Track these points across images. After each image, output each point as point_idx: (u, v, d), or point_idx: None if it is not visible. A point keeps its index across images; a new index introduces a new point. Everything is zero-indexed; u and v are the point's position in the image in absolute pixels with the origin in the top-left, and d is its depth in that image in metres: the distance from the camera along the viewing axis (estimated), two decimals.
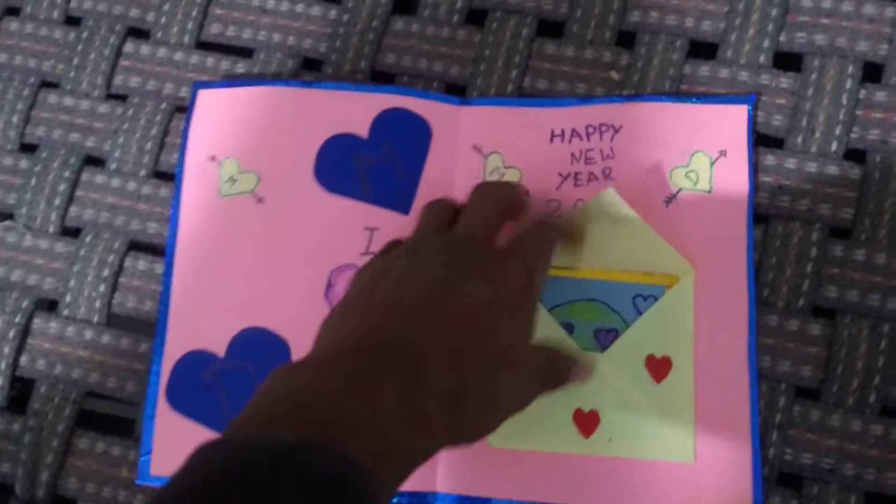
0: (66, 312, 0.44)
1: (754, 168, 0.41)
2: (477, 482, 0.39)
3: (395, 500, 0.39)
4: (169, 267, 0.42)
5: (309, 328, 0.40)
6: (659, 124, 0.42)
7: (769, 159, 0.41)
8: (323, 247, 0.42)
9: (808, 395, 0.39)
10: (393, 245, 0.37)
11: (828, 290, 0.40)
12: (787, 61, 0.42)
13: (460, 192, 0.42)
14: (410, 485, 0.38)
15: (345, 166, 0.43)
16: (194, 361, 0.41)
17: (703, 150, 0.41)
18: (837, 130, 0.41)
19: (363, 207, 0.42)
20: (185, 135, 0.44)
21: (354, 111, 0.43)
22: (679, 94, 0.42)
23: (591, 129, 0.42)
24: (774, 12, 0.42)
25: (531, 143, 0.42)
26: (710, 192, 0.41)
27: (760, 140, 0.41)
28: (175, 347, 0.41)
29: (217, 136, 0.44)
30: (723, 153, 0.41)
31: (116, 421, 0.43)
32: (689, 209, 0.41)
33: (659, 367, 0.39)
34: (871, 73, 0.41)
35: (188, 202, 0.43)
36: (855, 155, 0.41)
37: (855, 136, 0.41)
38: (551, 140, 0.42)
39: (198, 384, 0.41)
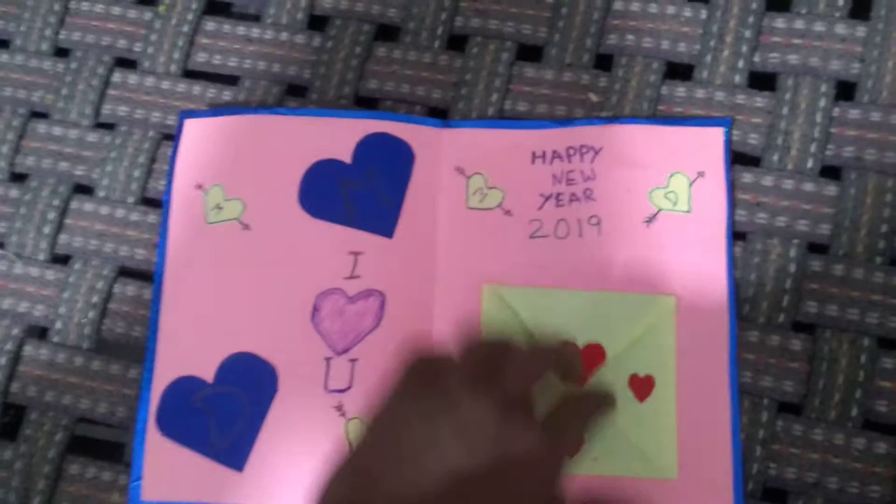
0: (56, 339, 0.44)
1: (732, 186, 0.42)
2: None
3: None
4: (157, 293, 0.43)
5: (295, 352, 0.41)
6: (638, 146, 0.42)
7: (746, 177, 0.42)
8: (308, 271, 0.42)
9: (791, 410, 0.39)
10: (420, 379, 0.31)
11: (808, 305, 0.40)
12: (762, 81, 0.43)
13: (444, 214, 0.42)
14: None
15: (329, 192, 0.43)
16: (183, 387, 0.41)
17: (681, 171, 0.42)
18: (813, 148, 0.42)
19: (347, 232, 0.43)
20: (171, 163, 0.45)
21: (337, 137, 0.44)
22: (657, 117, 0.43)
23: (571, 151, 0.43)
24: (748, 34, 0.43)
25: (513, 165, 0.43)
26: (688, 212, 0.41)
27: (738, 158, 0.42)
28: (164, 373, 0.42)
29: (203, 165, 0.44)
30: (700, 174, 0.42)
31: (107, 446, 0.43)
32: (669, 229, 0.41)
33: (642, 387, 0.40)
34: (845, 91, 0.42)
35: (176, 229, 0.44)
36: (831, 172, 0.41)
37: (830, 154, 0.42)
38: (533, 161, 0.43)
39: (187, 409, 0.41)
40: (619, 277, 0.41)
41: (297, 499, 0.39)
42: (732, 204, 0.41)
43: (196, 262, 0.43)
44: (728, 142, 0.42)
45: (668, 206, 0.41)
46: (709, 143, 0.42)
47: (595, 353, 0.40)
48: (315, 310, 0.42)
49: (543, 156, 0.43)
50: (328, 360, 0.41)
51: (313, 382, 0.41)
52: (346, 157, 0.44)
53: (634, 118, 0.43)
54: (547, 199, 0.42)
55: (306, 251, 0.43)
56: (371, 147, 0.44)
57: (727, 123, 0.42)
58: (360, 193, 0.43)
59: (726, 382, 0.39)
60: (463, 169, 0.43)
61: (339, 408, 0.41)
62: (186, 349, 0.42)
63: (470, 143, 0.44)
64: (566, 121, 0.43)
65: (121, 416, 0.43)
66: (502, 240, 0.42)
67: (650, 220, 0.41)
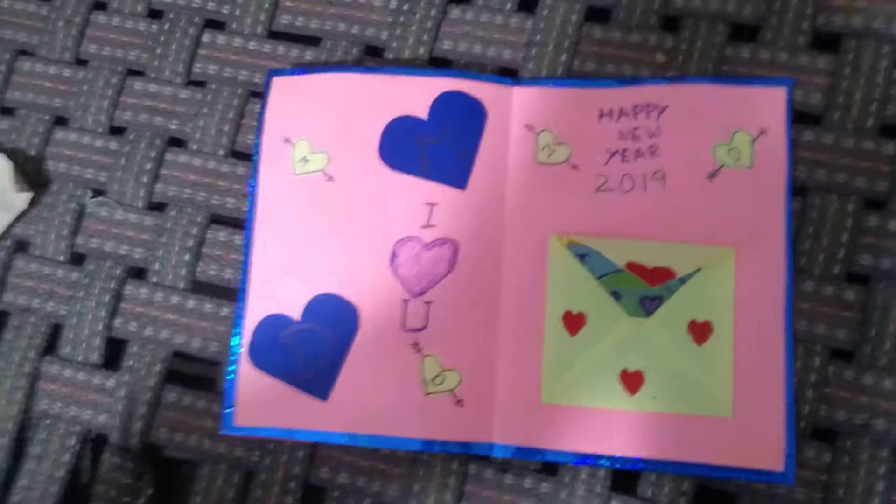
0: (154, 280, 0.48)
1: (793, 144, 0.43)
2: (530, 435, 0.42)
3: (452, 448, 0.42)
4: (248, 239, 0.46)
5: (375, 294, 0.44)
6: (702, 104, 0.44)
7: (808, 135, 0.44)
8: (387, 220, 0.45)
9: (843, 357, 0.41)
10: None
11: (862, 258, 0.42)
12: (825, 43, 0.45)
13: (513, 168, 0.45)
14: (468, 435, 0.42)
15: (406, 146, 0.46)
16: (273, 324, 0.45)
17: (744, 128, 0.44)
18: (873, 108, 0.43)
19: (424, 184, 0.46)
20: (260, 118, 0.48)
21: (414, 95, 0.47)
22: (721, 76, 0.45)
23: (637, 109, 0.45)
24: None
25: (580, 122, 0.45)
26: (751, 168, 0.43)
27: (799, 117, 0.44)
28: (255, 311, 0.45)
29: (290, 120, 0.47)
30: (763, 132, 0.43)
31: (200, 379, 0.47)
32: (731, 184, 0.43)
33: (701, 332, 0.42)
34: None
35: (265, 180, 0.47)
36: (889, 131, 0.43)
37: (889, 113, 0.43)
38: (600, 118, 0.45)
39: (276, 344, 0.45)
40: (681, 229, 0.43)
41: (377, 426, 0.43)
42: (793, 161, 0.43)
43: (284, 210, 0.46)
44: (790, 101, 0.44)
45: (730, 163, 0.43)
46: (771, 102, 0.44)
47: (662, 273, 0.42)
48: (394, 255, 0.45)
49: (610, 113, 0.45)
50: (405, 301, 0.44)
51: (392, 322, 0.44)
52: (423, 113, 0.47)
53: (699, 77, 0.45)
54: (613, 154, 0.45)
55: (386, 201, 0.46)
56: (445, 104, 0.46)
57: (790, 83, 0.44)
58: (435, 148, 0.46)
59: (782, 330, 0.41)
60: (532, 125, 0.46)
61: (416, 345, 0.44)
62: (275, 289, 0.45)
63: (539, 100, 0.46)
64: (632, 79, 0.46)
65: (213, 351, 0.47)
66: (569, 193, 0.45)
67: (713, 174, 0.43)
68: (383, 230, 0.45)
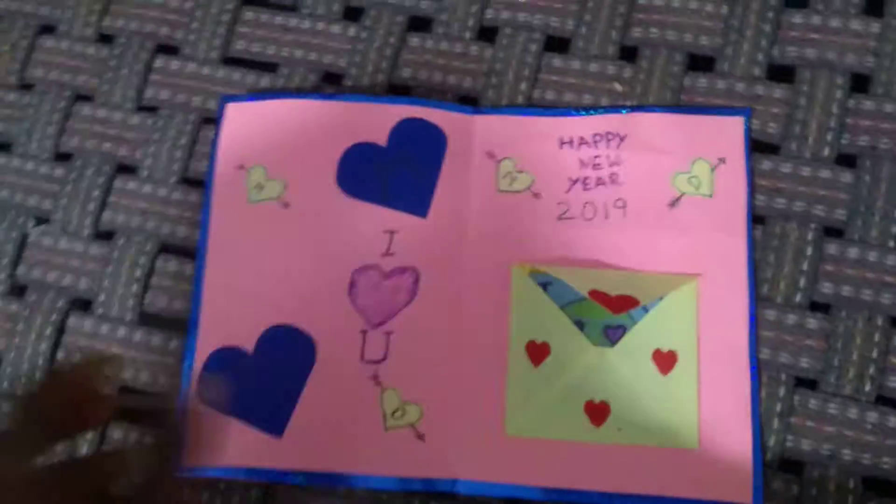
0: (100, 311, 0.46)
1: (752, 172, 0.43)
2: (495, 469, 0.41)
3: (413, 485, 0.41)
4: (200, 269, 0.45)
5: (333, 325, 0.43)
6: (662, 133, 0.44)
7: (766, 164, 0.44)
8: (346, 249, 0.44)
9: (808, 385, 0.41)
10: None
11: (824, 286, 0.42)
12: (781, 73, 0.45)
13: (475, 196, 0.44)
14: (430, 471, 0.40)
15: (365, 173, 0.45)
16: (224, 357, 0.43)
17: (703, 157, 0.44)
18: (829, 137, 0.44)
19: (383, 211, 0.45)
20: (214, 145, 0.46)
21: (374, 121, 0.46)
22: (680, 106, 0.45)
23: (598, 137, 0.45)
24: (767, 28, 0.45)
25: (541, 150, 0.45)
26: (710, 196, 0.43)
27: (757, 146, 0.44)
28: (207, 344, 0.43)
29: (245, 147, 0.46)
30: (722, 160, 0.44)
31: (148, 413, 0.45)
32: (691, 212, 0.43)
33: (665, 361, 0.41)
34: (859, 83, 0.44)
35: (218, 208, 0.45)
36: (846, 160, 0.43)
37: (845, 143, 0.44)
38: (560, 147, 0.45)
39: (228, 379, 0.43)
40: (643, 258, 0.43)
41: (334, 462, 0.41)
42: (752, 189, 0.43)
43: (238, 239, 0.45)
44: (748, 130, 0.44)
45: (690, 191, 0.43)
46: (729, 132, 0.44)
47: (625, 301, 0.42)
48: (352, 285, 0.44)
49: (571, 142, 0.45)
50: (364, 332, 0.43)
51: (350, 353, 0.43)
52: (382, 140, 0.46)
53: (658, 107, 0.45)
54: (574, 182, 0.44)
55: (344, 229, 0.44)
56: (405, 131, 0.46)
57: (747, 113, 0.44)
58: (395, 175, 0.45)
59: (746, 358, 0.41)
60: (493, 153, 0.45)
61: (375, 377, 0.42)
62: (228, 321, 0.44)
63: (500, 129, 0.46)
64: (592, 109, 0.45)
65: (162, 384, 0.44)
66: (531, 222, 0.44)
67: (674, 203, 0.43)
68: (341, 259, 0.44)
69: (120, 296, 0.46)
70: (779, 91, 0.45)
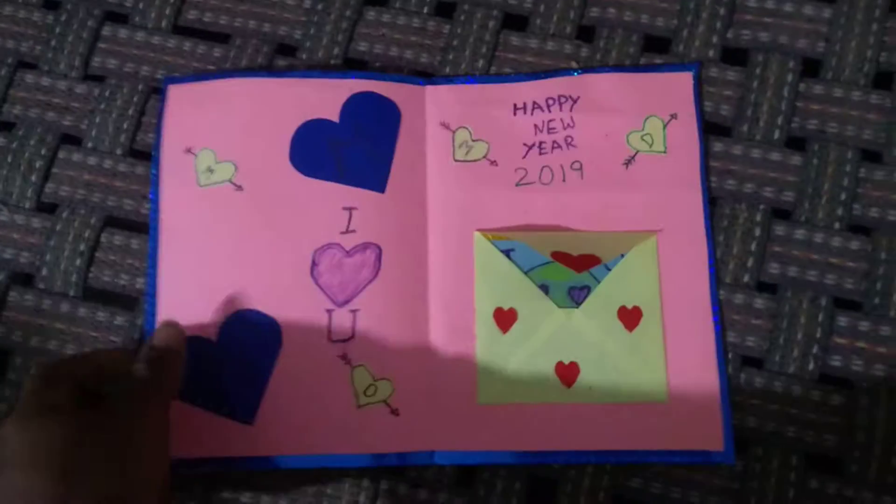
0: (41, 286, 0.45)
1: (703, 128, 0.44)
2: (470, 438, 0.41)
3: (389, 460, 0.40)
4: (153, 258, 0.43)
5: (297, 307, 0.42)
6: (613, 93, 0.45)
7: (717, 146, 0.44)
8: (305, 228, 0.43)
9: (753, 364, 0.42)
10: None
11: (771, 266, 0.43)
12: (734, 56, 0.45)
13: (432, 168, 0.44)
14: (406, 445, 0.40)
15: (319, 150, 0.44)
16: (189, 347, 0.41)
17: (655, 114, 0.44)
18: (779, 120, 0.44)
19: (340, 189, 0.44)
20: (158, 129, 0.45)
21: (324, 97, 0.45)
22: (628, 67, 0.45)
23: (550, 101, 0.45)
24: (722, 11, 0.46)
25: (496, 117, 0.45)
26: (664, 152, 0.44)
27: (710, 128, 0.44)
28: None
29: (191, 129, 0.45)
30: (673, 116, 0.44)
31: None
32: (647, 169, 0.44)
33: (630, 318, 0.42)
34: (810, 68, 0.45)
35: (168, 194, 0.44)
36: (795, 143, 0.44)
37: (795, 126, 0.44)
38: (514, 113, 0.45)
39: (194, 369, 0.41)
40: (603, 218, 0.43)
41: (308, 445, 0.41)
42: (705, 143, 0.44)
43: (191, 225, 0.44)
44: (697, 85, 0.44)
45: (644, 148, 0.44)
46: (679, 87, 0.45)
47: (587, 259, 0.42)
48: (314, 264, 0.43)
49: (524, 107, 0.45)
50: (329, 311, 0.42)
51: (317, 334, 0.42)
52: (334, 116, 0.45)
53: (608, 67, 0.45)
54: (530, 147, 0.44)
55: (301, 209, 0.44)
56: (357, 106, 0.45)
57: (695, 68, 0.45)
58: (349, 151, 0.44)
59: (709, 308, 0.42)
60: (448, 124, 0.45)
61: (344, 356, 0.42)
62: (188, 310, 0.42)
63: (452, 99, 0.45)
64: (543, 74, 0.45)
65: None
66: (490, 189, 0.44)
67: (629, 161, 0.44)
68: (301, 239, 0.43)
69: (63, 270, 0.45)
70: (732, 73, 0.45)
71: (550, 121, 0.44)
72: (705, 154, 0.44)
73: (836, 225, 0.43)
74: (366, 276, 0.43)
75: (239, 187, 0.44)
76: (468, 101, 0.45)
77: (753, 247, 0.43)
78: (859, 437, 0.40)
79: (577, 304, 0.42)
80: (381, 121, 0.45)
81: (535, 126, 0.44)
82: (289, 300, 0.42)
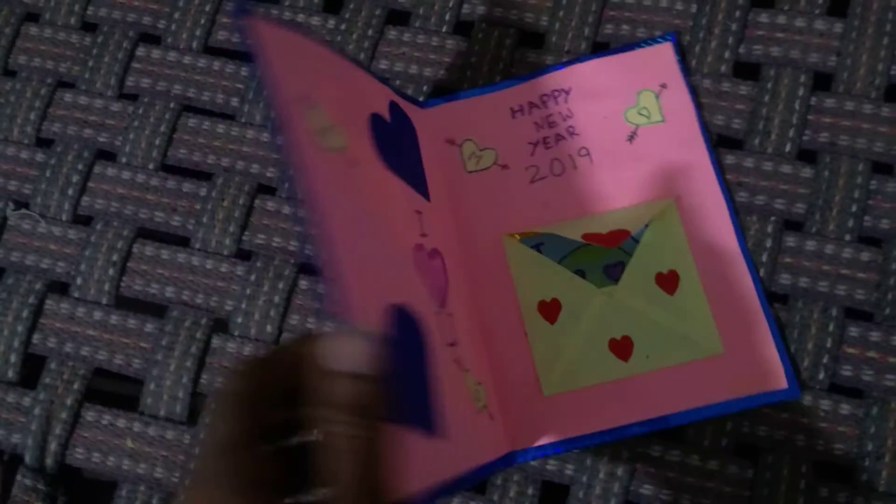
0: (76, 294, 0.47)
1: (694, 91, 0.46)
2: (543, 432, 0.41)
3: (498, 465, 0.40)
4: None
5: (418, 303, 0.35)
6: (601, 77, 0.46)
7: (730, 159, 0.45)
8: (396, 224, 0.38)
9: None
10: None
11: (782, 277, 0.43)
12: (746, 71, 0.46)
13: (448, 182, 0.45)
14: (486, 455, 0.39)
15: (388, 146, 0.39)
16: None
17: (646, 87, 0.46)
18: (791, 133, 0.45)
19: (408, 189, 0.40)
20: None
21: (376, 94, 0.42)
22: (608, 51, 0.47)
23: (545, 98, 0.46)
24: (734, 27, 0.47)
25: (496, 124, 0.46)
26: (663, 121, 0.45)
27: (722, 141, 0.45)
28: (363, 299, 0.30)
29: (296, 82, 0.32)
30: (663, 86, 0.46)
31: (120, 397, 0.46)
32: (650, 140, 0.45)
33: (669, 281, 0.43)
34: (822, 81, 0.46)
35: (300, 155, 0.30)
36: (807, 155, 0.45)
37: (807, 139, 0.45)
38: (513, 116, 0.46)
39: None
40: (620, 195, 0.44)
41: (465, 458, 0.36)
42: (699, 106, 0.45)
43: (338, 200, 0.32)
44: (678, 52, 0.46)
45: (644, 122, 0.45)
46: (662, 58, 0.46)
47: (617, 235, 0.43)
48: (415, 264, 0.38)
49: (521, 109, 0.47)
50: (437, 314, 0.38)
51: (437, 336, 0.36)
52: (386, 116, 0.42)
53: (589, 55, 0.47)
54: (536, 145, 0.46)
55: (387, 203, 0.37)
56: (394, 112, 0.44)
57: (672, 37, 0.46)
58: (401, 154, 0.42)
59: (741, 258, 0.43)
60: (452, 140, 0.46)
61: (458, 361, 0.38)
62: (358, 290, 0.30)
63: (450, 116, 0.47)
64: (528, 75, 0.47)
65: (136, 368, 0.45)
66: (507, 192, 0.45)
67: (632, 137, 0.45)
68: (398, 234, 0.38)
69: (96, 279, 0.47)
70: (744, 88, 0.46)
71: (549, 115, 0.46)
72: (701, 114, 0.45)
73: (847, 237, 0.43)
74: (444, 282, 0.41)
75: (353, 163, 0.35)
76: (466, 115, 0.47)
77: (765, 258, 0.43)
78: (869, 446, 0.40)
79: (615, 280, 0.43)
80: (408, 132, 0.45)
81: (536, 124, 0.46)
82: (410, 295, 0.35)
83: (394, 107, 0.44)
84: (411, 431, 0.30)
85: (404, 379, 0.31)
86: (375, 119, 0.39)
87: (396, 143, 0.42)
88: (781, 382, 0.41)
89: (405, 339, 0.33)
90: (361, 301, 0.29)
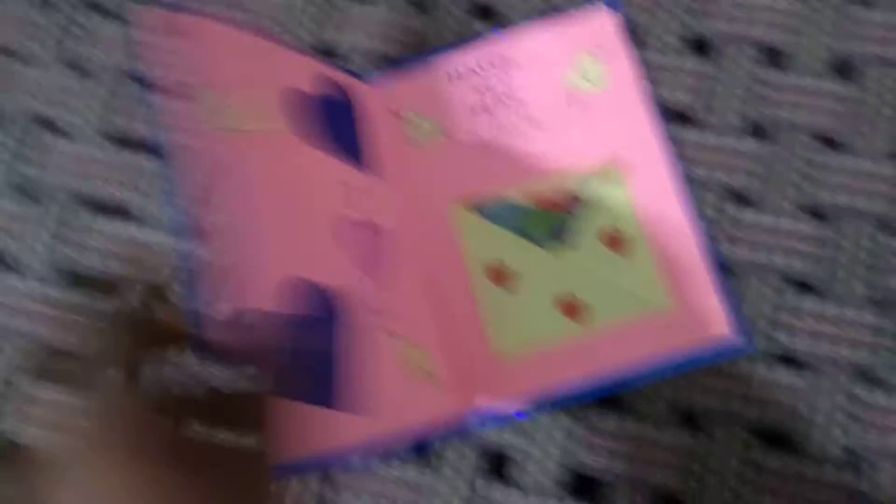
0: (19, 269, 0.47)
1: (635, 58, 0.46)
2: (494, 393, 0.42)
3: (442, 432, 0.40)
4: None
5: (333, 275, 0.37)
6: (540, 41, 0.47)
7: (677, 130, 0.45)
8: (318, 198, 0.40)
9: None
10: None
11: (725, 246, 0.43)
12: (698, 47, 0.47)
13: (390, 152, 0.45)
14: (417, 418, 0.39)
15: (308, 119, 0.41)
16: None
17: (584, 51, 0.46)
18: (739, 107, 0.45)
19: (333, 161, 0.41)
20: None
21: (300, 71, 0.43)
22: (544, 16, 0.47)
23: (483, 65, 0.47)
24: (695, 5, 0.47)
25: (436, 93, 0.47)
26: (601, 82, 0.46)
27: (671, 116, 0.45)
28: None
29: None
30: (601, 48, 0.46)
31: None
32: (590, 103, 0.46)
33: (614, 241, 0.44)
34: (773, 57, 0.46)
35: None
36: (757, 130, 0.45)
37: (755, 115, 0.45)
38: (451, 82, 0.47)
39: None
40: (563, 158, 0.45)
41: (391, 422, 0.37)
42: (647, 77, 0.46)
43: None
44: (625, 20, 0.47)
45: (584, 85, 0.46)
46: (599, 20, 0.47)
47: (561, 199, 0.44)
48: (335, 235, 0.39)
49: (459, 75, 0.47)
50: (361, 282, 0.39)
51: (359, 306, 0.38)
52: (308, 90, 0.42)
53: (525, 21, 0.47)
54: (476, 112, 0.46)
55: (305, 177, 0.39)
56: (323, 87, 0.44)
57: (617, 4, 0.47)
58: (331, 127, 0.42)
59: (683, 216, 0.43)
60: (396, 111, 0.47)
61: (387, 329, 0.39)
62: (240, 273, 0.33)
63: (392, 88, 0.47)
64: (466, 41, 0.47)
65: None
66: (451, 160, 0.46)
67: (571, 100, 0.46)
68: (320, 208, 0.39)
69: (40, 254, 0.47)
70: (692, 62, 0.46)
71: (489, 82, 0.47)
72: (650, 90, 0.45)
73: (787, 205, 0.44)
74: (373, 252, 0.41)
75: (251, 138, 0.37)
76: (407, 86, 0.47)
77: (717, 232, 0.43)
78: (809, 413, 0.41)
79: (561, 240, 0.44)
80: (341, 105, 0.44)
81: (476, 89, 0.47)
82: (325, 268, 0.37)
83: (322, 81, 0.43)
84: (304, 403, 0.32)
85: (302, 353, 0.33)
86: (290, 94, 0.40)
87: (319, 117, 0.42)
88: (730, 332, 0.41)
89: (309, 312, 0.34)
90: (253, 278, 0.32)
